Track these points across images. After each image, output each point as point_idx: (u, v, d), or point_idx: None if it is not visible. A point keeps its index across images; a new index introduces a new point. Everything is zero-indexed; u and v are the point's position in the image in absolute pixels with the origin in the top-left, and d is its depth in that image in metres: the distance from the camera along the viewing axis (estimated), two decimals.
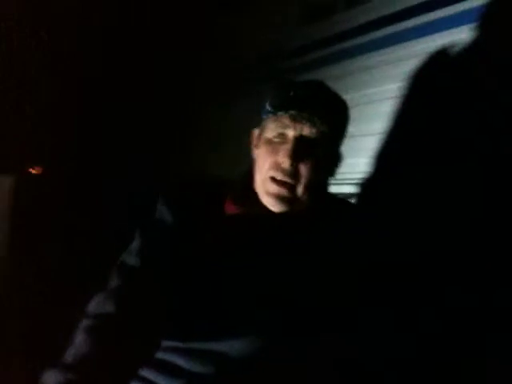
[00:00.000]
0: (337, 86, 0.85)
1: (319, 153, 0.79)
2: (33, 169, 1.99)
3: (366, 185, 1.16)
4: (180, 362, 0.75)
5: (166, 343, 0.77)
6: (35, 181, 2.00)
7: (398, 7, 1.17)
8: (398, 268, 0.85)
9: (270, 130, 0.80)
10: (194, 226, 0.82)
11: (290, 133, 0.78)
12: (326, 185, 0.89)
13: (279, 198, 0.79)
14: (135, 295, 0.75)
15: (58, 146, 2.03)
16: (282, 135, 0.79)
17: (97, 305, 0.73)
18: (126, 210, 1.97)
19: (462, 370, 0.87)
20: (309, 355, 0.76)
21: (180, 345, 0.76)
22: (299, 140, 0.78)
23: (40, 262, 1.79)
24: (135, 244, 0.82)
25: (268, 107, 0.81)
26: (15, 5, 1.89)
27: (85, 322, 0.70)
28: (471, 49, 0.99)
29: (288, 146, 0.77)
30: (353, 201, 1.16)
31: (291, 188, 0.79)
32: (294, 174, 0.78)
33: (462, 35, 1.01)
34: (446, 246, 0.94)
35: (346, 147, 0.87)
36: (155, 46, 2.15)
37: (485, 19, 0.97)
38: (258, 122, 0.86)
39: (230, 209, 0.83)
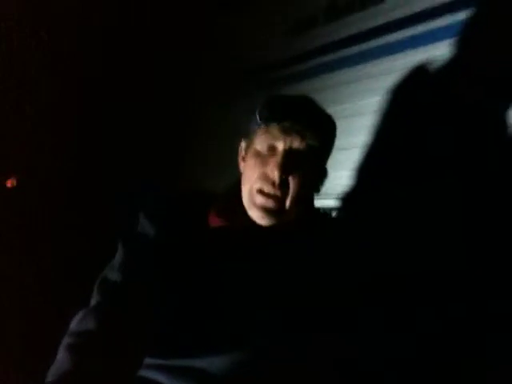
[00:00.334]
0: (318, 100, 0.86)
1: (307, 166, 0.79)
2: (8, 181, 1.93)
3: (348, 198, 1.17)
4: (162, 379, 0.74)
5: (148, 360, 0.76)
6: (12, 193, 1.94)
7: (380, 21, 1.18)
8: (383, 276, 0.86)
9: (260, 141, 0.80)
10: (177, 239, 0.81)
11: (280, 145, 0.78)
12: (311, 199, 0.90)
13: (266, 210, 0.79)
14: (117, 311, 0.73)
15: (57, 148, 2.03)
16: (272, 147, 0.79)
17: (78, 322, 0.72)
18: (125, 212, 1.96)
19: (462, 369, 0.87)
20: (299, 372, 0.75)
21: (162, 362, 0.75)
22: (289, 153, 0.78)
23: (39, 271, 1.78)
24: (117, 259, 0.81)
25: (258, 119, 0.81)
26: (15, 5, 1.89)
27: (66, 340, 0.70)
28: (452, 63, 1.01)
29: (277, 159, 0.77)
30: (334, 214, 1.17)
31: (278, 200, 0.79)
32: (282, 186, 0.78)
33: (442, 50, 1.02)
34: (432, 253, 0.95)
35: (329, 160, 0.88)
36: (155, 46, 2.15)
37: (465, 34, 0.99)
38: (243, 135, 0.87)
39: (214, 221, 0.82)
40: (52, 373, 0.66)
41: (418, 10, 1.08)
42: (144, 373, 0.75)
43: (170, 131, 2.14)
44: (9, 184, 1.92)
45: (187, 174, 2.06)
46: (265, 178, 0.78)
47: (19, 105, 1.94)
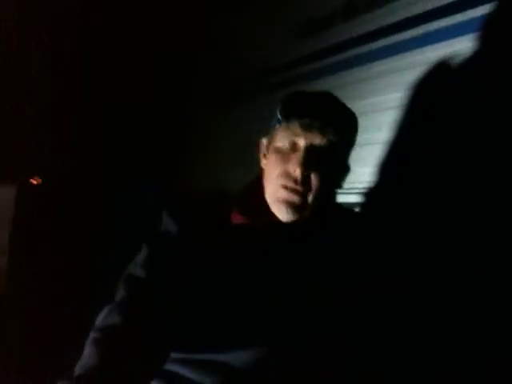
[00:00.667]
0: (340, 95, 0.86)
1: (329, 162, 0.79)
2: (33, 179, 1.98)
3: (371, 194, 1.16)
4: (187, 373, 0.75)
5: (173, 355, 0.77)
6: (36, 190, 1.98)
7: (400, 17, 1.18)
8: (400, 274, 0.85)
9: (281, 138, 0.80)
10: (200, 237, 0.81)
11: (301, 142, 0.78)
12: (334, 195, 0.89)
13: (289, 204, 0.79)
14: (141, 306, 0.74)
15: (58, 148, 2.03)
16: (293, 144, 0.79)
17: (104, 317, 0.73)
18: (129, 216, 1.97)
19: (462, 369, 0.87)
20: (314, 361, 0.76)
21: (188, 356, 0.76)
22: (310, 149, 0.78)
23: (40, 271, 1.79)
24: (141, 255, 0.81)
25: (279, 116, 0.81)
26: (15, 5, 1.89)
27: (92, 335, 0.70)
28: (474, 58, 0.99)
29: (299, 155, 0.77)
30: (357, 210, 1.16)
31: (301, 195, 0.79)
32: (304, 182, 0.78)
33: (464, 44, 1.01)
34: (448, 252, 0.94)
35: (350, 156, 0.88)
36: (155, 46, 2.15)
37: (486, 29, 0.97)
38: (259, 131, 0.86)
39: (236, 219, 0.83)
40: (79, 367, 0.66)
41: (439, 4, 1.07)
42: (169, 366, 0.76)
43: (169, 131, 2.14)
44: (34, 182, 1.96)
45: (187, 174, 2.06)
46: (287, 174, 0.78)
47: (19, 105, 1.94)
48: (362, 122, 0.87)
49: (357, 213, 1.12)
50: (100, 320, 0.73)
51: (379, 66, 1.22)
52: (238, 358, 0.73)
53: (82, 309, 0.76)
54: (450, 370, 0.88)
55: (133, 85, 2.15)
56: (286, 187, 0.79)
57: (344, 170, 0.87)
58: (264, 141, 0.87)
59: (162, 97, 2.17)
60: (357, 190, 1.18)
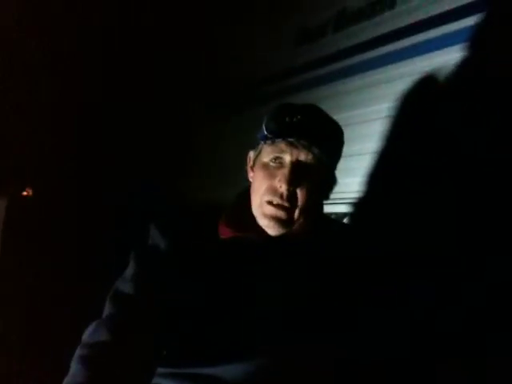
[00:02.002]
0: (327, 107, 0.86)
1: (315, 177, 0.79)
2: (25, 191, 1.98)
3: (359, 204, 1.17)
4: None
5: (163, 369, 0.76)
6: (28, 202, 1.99)
7: (389, 28, 1.18)
8: (391, 281, 0.86)
9: (267, 153, 0.80)
10: (188, 250, 0.81)
11: (287, 158, 0.78)
12: (321, 207, 0.90)
13: (276, 219, 0.79)
14: (130, 323, 0.74)
15: (57, 147, 2.03)
16: (279, 159, 0.79)
17: (91, 334, 0.72)
18: (125, 224, 1.95)
19: (462, 369, 0.87)
20: (308, 374, 0.76)
21: (174, 370, 0.76)
22: (296, 165, 0.78)
23: (31, 284, 1.78)
24: (129, 271, 0.81)
25: (265, 131, 0.81)
26: (15, 5, 1.90)
27: (79, 352, 0.70)
28: (461, 69, 1.00)
29: (285, 171, 0.77)
30: (346, 220, 1.17)
31: (288, 211, 0.79)
32: (290, 198, 0.78)
33: (452, 56, 1.02)
34: (439, 259, 0.95)
35: (338, 167, 0.88)
36: (155, 46, 2.15)
37: (474, 39, 0.98)
38: (250, 144, 0.87)
39: (224, 232, 0.83)
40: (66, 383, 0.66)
41: (425, 17, 1.08)
42: (157, 380, 0.76)
43: (169, 132, 2.14)
44: (25, 193, 1.96)
45: (187, 176, 2.06)
46: (273, 190, 0.79)
47: (19, 105, 1.94)
48: (350, 133, 0.88)
49: (345, 223, 1.13)
50: (87, 336, 0.72)
51: (368, 77, 1.23)
52: (228, 371, 0.73)
53: (72, 319, 0.76)
54: (450, 369, 0.88)
55: (133, 85, 2.16)
56: (271, 203, 0.79)
57: (331, 182, 0.87)
58: (251, 154, 0.87)
59: (161, 98, 2.17)
60: (346, 200, 1.18)
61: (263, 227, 0.81)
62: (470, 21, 0.99)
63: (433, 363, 0.88)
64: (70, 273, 1.88)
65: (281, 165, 0.79)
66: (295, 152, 0.78)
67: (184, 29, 2.06)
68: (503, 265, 0.87)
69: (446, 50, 1.04)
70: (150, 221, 0.87)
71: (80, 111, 2.10)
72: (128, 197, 2.11)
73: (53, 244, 1.93)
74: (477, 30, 0.98)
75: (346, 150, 0.87)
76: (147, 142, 2.19)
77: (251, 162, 0.87)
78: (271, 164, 0.80)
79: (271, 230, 0.81)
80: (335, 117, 0.86)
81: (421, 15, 1.10)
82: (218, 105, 1.91)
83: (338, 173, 0.88)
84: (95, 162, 2.16)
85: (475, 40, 0.98)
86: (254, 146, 0.86)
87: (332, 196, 0.90)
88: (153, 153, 2.18)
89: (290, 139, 0.77)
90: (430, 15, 1.08)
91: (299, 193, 0.78)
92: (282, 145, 0.78)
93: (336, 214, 1.18)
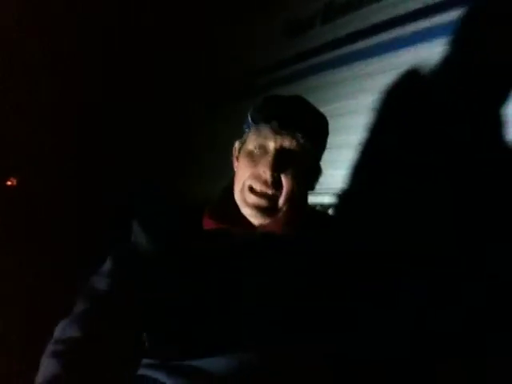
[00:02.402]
0: (313, 98, 0.87)
1: (299, 165, 0.79)
2: (9, 180, 1.95)
3: (344, 195, 1.17)
4: (161, 377, 0.73)
5: (147, 360, 0.76)
6: (13, 192, 1.95)
7: (374, 21, 1.19)
8: (383, 277, 0.85)
9: (251, 141, 0.80)
10: (172, 246, 0.81)
11: (271, 144, 0.78)
12: (305, 197, 0.89)
13: (259, 208, 0.78)
14: (104, 319, 0.73)
15: (57, 147, 2.03)
16: (263, 147, 0.79)
17: (62, 329, 0.71)
18: (125, 224, 1.95)
19: (462, 369, 0.87)
20: (299, 369, 0.75)
21: (161, 362, 0.75)
22: (280, 152, 0.78)
23: (31, 283, 1.77)
24: (106, 267, 0.80)
25: (250, 119, 0.81)
26: (15, 5, 1.89)
27: (51, 347, 0.69)
28: (445, 61, 1.00)
29: (269, 158, 0.77)
30: (330, 211, 1.17)
31: (271, 199, 0.79)
32: (274, 185, 0.78)
33: (436, 49, 1.02)
34: (439, 259, 0.95)
35: (323, 158, 0.88)
36: (155, 46, 2.15)
37: (458, 32, 0.98)
38: (239, 135, 0.87)
39: (208, 224, 0.82)
40: (40, 377, 0.65)
41: (412, 9, 1.08)
42: (142, 371, 0.75)
43: (169, 132, 2.14)
44: (9, 183, 1.94)
45: (187, 176, 2.05)
46: (256, 177, 0.78)
47: (19, 105, 1.94)
48: (335, 125, 0.88)
49: (330, 215, 1.13)
50: (59, 332, 0.71)
51: (353, 69, 1.23)
52: (214, 365, 0.73)
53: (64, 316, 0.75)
54: (450, 369, 0.88)
55: (132, 85, 2.16)
56: (253, 190, 0.79)
57: (316, 172, 0.87)
58: (236, 144, 0.87)
59: (161, 97, 2.17)
60: (331, 191, 1.18)
61: (246, 216, 0.81)
62: (456, 13, 0.99)
63: (433, 363, 0.88)
64: (70, 272, 1.88)
65: (265, 152, 0.79)
66: (279, 139, 0.78)
67: (184, 29, 2.06)
68: (503, 265, 0.87)
69: (430, 42, 1.04)
70: (134, 218, 0.86)
71: (80, 111, 2.10)
72: (128, 197, 2.11)
73: (52, 244, 1.93)
74: (464, 21, 0.98)
75: (330, 141, 0.88)
76: (147, 142, 2.19)
77: (236, 152, 0.87)
78: (255, 151, 0.80)
79: (254, 218, 0.80)
80: (322, 109, 0.86)
81: (406, 8, 1.10)
82: (218, 105, 1.92)
83: (322, 164, 0.88)
84: (95, 162, 2.16)
85: (462, 32, 0.98)
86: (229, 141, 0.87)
87: (317, 186, 0.89)
88: (153, 153, 2.18)
89: (273, 124, 0.77)
90: (414, 8, 1.08)
91: (283, 180, 0.78)
92: (266, 131, 0.78)
93: (321, 205, 1.18)
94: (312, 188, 0.88)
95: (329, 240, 0.85)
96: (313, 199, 0.96)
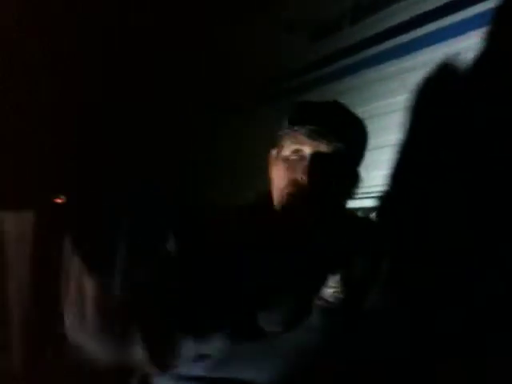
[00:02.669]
0: (346, 100, 0.86)
1: (336, 170, 0.79)
2: (57, 198, 1.78)
3: (385, 198, 1.15)
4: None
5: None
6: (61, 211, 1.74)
7: (404, 18, 1.17)
8: (422, 277, 0.86)
9: (287, 147, 0.81)
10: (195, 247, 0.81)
11: (307, 149, 0.78)
12: (343, 203, 0.89)
13: (296, 213, 0.79)
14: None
15: (57, 147, 2.03)
16: (299, 152, 0.79)
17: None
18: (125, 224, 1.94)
19: (462, 369, 0.87)
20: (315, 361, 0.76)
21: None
22: (316, 157, 0.78)
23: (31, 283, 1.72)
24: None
25: (285, 123, 0.82)
26: (15, 5, 1.89)
27: None
28: (480, 55, 0.98)
29: (305, 163, 0.78)
30: (372, 215, 1.16)
31: (309, 204, 0.79)
32: (311, 190, 0.78)
33: (470, 42, 1.00)
34: (459, 250, 0.94)
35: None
36: (155, 46, 2.15)
37: (496, 24, 0.96)
38: (264, 140, 0.87)
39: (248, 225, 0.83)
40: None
41: (441, 3, 1.07)
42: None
43: (169, 131, 2.14)
44: (58, 201, 1.86)
45: (187, 176, 2.05)
46: (294, 183, 0.79)
47: (19, 105, 1.94)
48: (373, 125, 0.87)
49: (369, 218, 1.12)
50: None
51: (388, 68, 1.22)
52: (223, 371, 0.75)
53: None
54: (450, 369, 0.88)
55: (133, 85, 2.15)
56: (292, 196, 0.79)
57: (353, 177, 0.86)
58: (273, 152, 0.88)
59: (161, 96, 2.16)
60: (372, 194, 1.17)
61: (284, 221, 0.81)
62: (488, 4, 0.96)
63: (433, 363, 0.88)
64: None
65: (301, 157, 0.79)
66: (315, 143, 0.78)
67: (184, 29, 2.06)
68: (503, 265, 0.87)
69: (463, 37, 1.02)
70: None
71: (80, 111, 2.10)
72: (128, 196, 2.10)
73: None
74: (498, 13, 0.95)
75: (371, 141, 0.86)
76: (147, 142, 2.19)
77: (272, 160, 0.87)
78: (292, 157, 0.80)
79: (292, 223, 0.81)
80: (359, 109, 0.86)
81: (434, 3, 1.09)
82: (218, 105, 1.91)
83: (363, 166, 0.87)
84: (95, 163, 2.16)
85: (497, 25, 0.95)
86: (255, 146, 0.86)
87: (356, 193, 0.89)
88: (153, 152, 2.17)
89: (309, 127, 0.77)
90: (442, 3, 1.07)
91: (320, 185, 0.78)
92: (302, 136, 0.78)
93: (363, 208, 1.17)
94: (351, 195, 0.88)
95: (357, 244, 0.85)
96: (354, 203, 0.95)
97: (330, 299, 0.78)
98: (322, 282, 0.79)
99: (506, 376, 0.81)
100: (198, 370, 0.76)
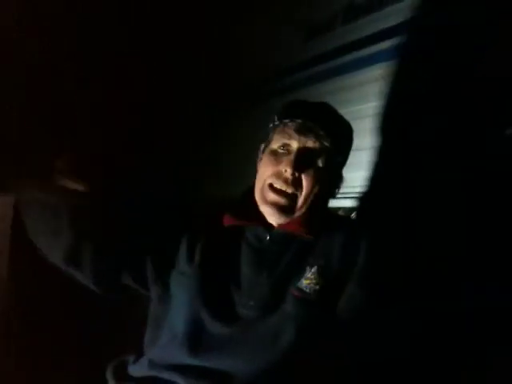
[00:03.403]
0: (336, 100, 0.88)
1: (321, 166, 0.80)
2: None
3: (364, 198, 1.17)
4: (178, 379, 0.77)
5: (157, 362, 0.79)
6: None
7: (380, 27, 1.19)
8: (398, 275, 0.86)
9: (275, 141, 0.83)
10: (194, 242, 0.85)
11: (295, 144, 0.80)
12: (325, 200, 0.90)
13: (278, 206, 0.80)
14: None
15: (58, 148, 2.03)
16: (287, 146, 0.81)
17: None
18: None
19: (462, 369, 0.87)
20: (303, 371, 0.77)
21: (177, 362, 0.78)
22: (303, 151, 0.79)
23: (43, 283, 1.76)
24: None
25: (275, 118, 0.84)
26: (15, 5, 1.89)
27: None
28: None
29: (291, 157, 0.79)
30: (353, 215, 1.17)
31: (290, 198, 0.80)
32: (294, 183, 0.79)
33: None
34: (445, 250, 0.95)
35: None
36: (154, 46, 2.15)
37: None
38: (258, 137, 0.88)
39: (227, 221, 0.83)
40: None
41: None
42: (154, 373, 0.77)
43: (169, 132, 2.14)
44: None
45: (187, 176, 2.05)
46: (278, 175, 0.81)
47: (19, 105, 1.94)
48: (356, 127, 0.88)
49: (350, 218, 1.14)
50: None
51: (375, 71, 1.23)
52: (225, 365, 0.76)
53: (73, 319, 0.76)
54: (452, 369, 0.88)
55: (133, 85, 2.15)
56: (273, 188, 0.80)
57: (337, 178, 0.88)
58: (261, 146, 0.89)
59: (161, 96, 2.16)
60: (353, 195, 1.19)
61: (265, 215, 0.82)
62: None
63: (434, 363, 0.88)
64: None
65: (288, 151, 0.80)
66: (303, 138, 0.80)
67: (184, 29, 2.06)
68: (504, 265, 0.87)
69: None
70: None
71: (80, 111, 2.10)
72: (128, 196, 2.11)
73: None
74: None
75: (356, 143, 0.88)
76: (147, 142, 2.19)
77: (261, 153, 0.88)
78: (279, 151, 0.82)
79: (272, 217, 0.82)
80: (343, 110, 0.89)
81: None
82: (218, 105, 1.92)
83: (347, 167, 0.88)
84: (95, 164, 2.15)
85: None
86: (251, 147, 0.88)
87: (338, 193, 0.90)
88: (153, 153, 2.17)
89: (298, 121, 0.78)
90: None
91: (304, 179, 0.80)
92: (291, 130, 0.80)
93: (344, 208, 1.19)
94: (333, 195, 0.90)
95: (344, 245, 0.86)
96: (335, 203, 0.97)
97: (306, 290, 0.78)
98: (298, 272, 0.80)
99: (506, 376, 0.82)
100: (171, 358, 0.77)
